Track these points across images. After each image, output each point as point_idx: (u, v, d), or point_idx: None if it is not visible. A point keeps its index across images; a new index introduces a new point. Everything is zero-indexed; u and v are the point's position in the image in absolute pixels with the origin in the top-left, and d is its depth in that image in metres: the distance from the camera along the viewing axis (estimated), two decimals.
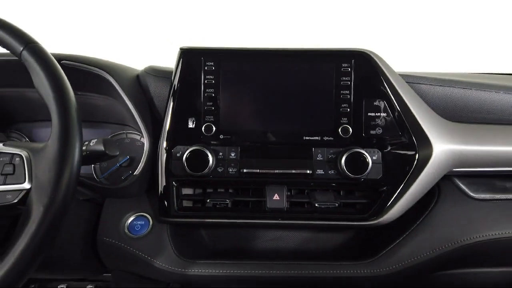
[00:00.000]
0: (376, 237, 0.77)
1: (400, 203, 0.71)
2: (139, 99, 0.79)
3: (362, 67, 0.74)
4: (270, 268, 0.74)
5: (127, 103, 0.76)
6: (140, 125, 0.76)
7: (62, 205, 0.47)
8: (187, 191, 0.76)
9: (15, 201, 0.48)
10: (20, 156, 0.50)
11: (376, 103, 0.74)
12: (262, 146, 0.75)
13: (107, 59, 0.87)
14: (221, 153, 0.75)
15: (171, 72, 0.78)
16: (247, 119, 0.76)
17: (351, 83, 0.74)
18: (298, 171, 0.73)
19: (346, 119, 0.74)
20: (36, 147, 0.51)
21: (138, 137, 0.92)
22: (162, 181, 0.74)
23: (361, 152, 0.71)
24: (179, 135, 0.75)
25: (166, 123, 0.75)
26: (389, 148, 0.73)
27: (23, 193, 0.48)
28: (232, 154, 0.75)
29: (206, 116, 0.75)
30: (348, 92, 0.74)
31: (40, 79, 0.52)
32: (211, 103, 0.75)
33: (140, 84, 0.82)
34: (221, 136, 0.75)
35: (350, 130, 0.73)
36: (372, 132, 0.74)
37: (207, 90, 0.75)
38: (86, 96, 0.85)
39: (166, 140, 0.75)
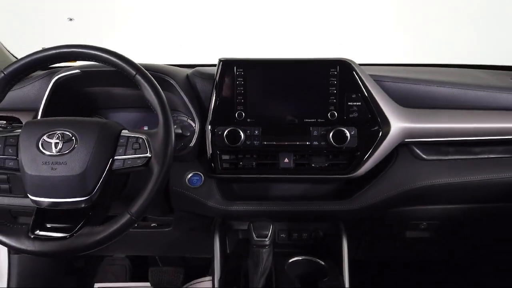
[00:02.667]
0: (351, 186, 1.14)
1: (368, 163, 1.07)
2: (190, 94, 1.14)
3: (344, 71, 1.08)
4: (283, 205, 1.12)
5: (184, 97, 1.11)
6: (192, 113, 1.12)
7: (168, 165, 0.84)
8: (225, 157, 1.13)
9: (143, 163, 0.85)
10: (142, 138, 0.86)
11: (353, 95, 1.09)
12: (276, 126, 1.10)
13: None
14: (248, 131, 1.10)
15: (213, 75, 1.13)
16: (266, 108, 1.10)
17: (337, 82, 1.08)
18: (301, 143, 1.09)
19: (333, 107, 1.09)
20: (150, 133, 0.87)
21: (185, 119, 1.28)
22: (209, 150, 1.10)
23: (343, 129, 1.06)
24: (219, 119, 1.11)
25: (210, 111, 1.11)
26: (362, 126, 1.09)
27: (147, 159, 0.85)
28: (256, 132, 1.11)
29: (238, 106, 1.10)
30: (334, 88, 1.08)
31: (150, 94, 0.87)
32: (241, 97, 1.10)
33: (190, 83, 1.18)
34: (248, 120, 1.10)
35: (336, 114, 1.09)
36: (351, 115, 1.09)
37: (238, 88, 1.10)
38: None
39: (210, 123, 1.11)
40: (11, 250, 1.47)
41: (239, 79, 1.10)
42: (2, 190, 1.18)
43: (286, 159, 1.10)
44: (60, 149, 0.82)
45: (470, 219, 1.22)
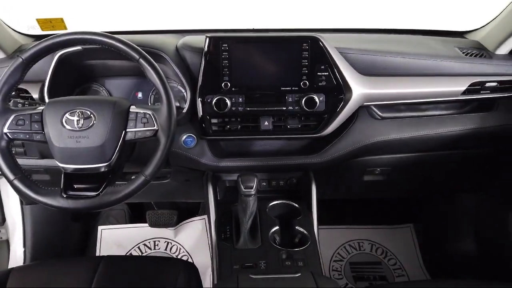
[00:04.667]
0: (319, 142, 1.37)
1: (334, 123, 1.29)
2: (181, 66, 1.29)
3: (314, 46, 1.25)
4: (264, 160, 1.35)
5: (175, 69, 1.27)
6: (184, 83, 1.28)
7: (173, 135, 1.03)
8: (214, 121, 1.32)
9: (152, 135, 1.04)
10: (149, 114, 1.04)
11: (322, 67, 1.27)
12: (257, 94, 1.29)
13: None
14: (233, 99, 1.28)
15: (201, 49, 1.28)
16: (248, 78, 1.28)
17: (308, 55, 1.26)
18: (278, 108, 1.29)
19: (305, 77, 1.28)
20: (155, 108, 1.04)
21: (175, 85, 1.44)
22: (200, 115, 1.29)
23: (313, 96, 1.27)
24: (207, 89, 1.28)
25: (199, 82, 1.28)
26: (329, 93, 1.29)
27: (155, 131, 1.03)
28: (240, 99, 1.29)
29: (223, 77, 1.27)
30: (306, 61, 1.26)
31: (152, 76, 1.03)
32: (226, 70, 1.26)
33: (179, 55, 1.33)
34: (233, 89, 1.28)
35: (307, 83, 1.28)
36: (320, 84, 1.28)
37: (223, 62, 1.26)
38: None
39: (200, 92, 1.28)
40: (24, 201, 1.67)
41: (224, 54, 1.26)
42: (18, 153, 1.35)
43: (266, 122, 1.30)
44: (82, 125, 1.00)
45: (415, 165, 1.49)
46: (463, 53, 1.42)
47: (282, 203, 1.31)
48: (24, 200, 1.64)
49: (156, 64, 1.05)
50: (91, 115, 1.01)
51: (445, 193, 1.83)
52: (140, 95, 1.44)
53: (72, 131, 1.00)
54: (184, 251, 1.95)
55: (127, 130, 1.03)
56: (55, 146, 1.00)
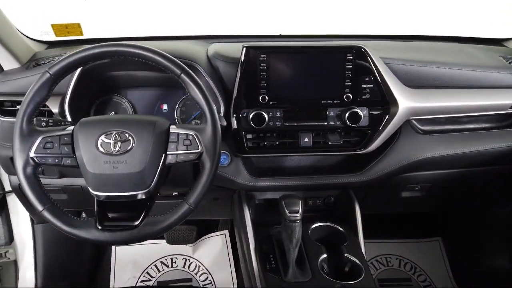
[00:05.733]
0: (360, 159, 1.28)
1: (378, 140, 1.21)
2: (214, 78, 1.20)
3: (358, 56, 1.17)
4: (302, 180, 1.25)
5: (209, 81, 1.17)
6: (217, 95, 1.18)
7: (218, 158, 0.93)
8: (249, 136, 1.22)
9: (195, 158, 0.93)
10: (192, 135, 0.93)
11: (366, 78, 1.19)
12: (296, 107, 1.20)
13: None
14: (271, 113, 1.19)
15: (236, 59, 1.18)
16: (286, 91, 1.19)
17: (352, 66, 1.17)
18: (319, 123, 1.20)
19: (348, 89, 1.19)
20: (198, 129, 0.94)
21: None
22: (235, 132, 1.19)
23: (357, 110, 1.18)
24: (243, 102, 1.18)
25: (234, 95, 1.18)
26: (373, 107, 1.21)
27: (199, 154, 0.93)
28: (278, 113, 1.20)
29: (261, 90, 1.18)
30: (350, 72, 1.18)
31: (195, 93, 0.93)
32: (264, 82, 1.17)
33: (212, 66, 1.23)
34: (271, 102, 1.19)
35: (351, 96, 1.19)
36: (363, 97, 1.20)
37: (261, 73, 1.17)
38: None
39: (236, 106, 1.18)
40: (35, 220, 1.55)
41: (262, 65, 1.16)
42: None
43: (306, 138, 1.21)
44: (119, 148, 0.89)
45: (456, 181, 1.42)
46: (509, 63, 1.34)
47: (324, 226, 1.22)
48: (36, 219, 1.52)
49: (198, 80, 0.95)
50: (130, 138, 0.90)
51: (477, 207, 1.76)
52: (165, 107, 1.34)
53: (109, 155, 0.89)
54: (204, 268, 1.85)
55: (168, 153, 0.93)
56: (89, 172, 0.89)
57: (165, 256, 1.88)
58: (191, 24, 1.65)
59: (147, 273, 1.82)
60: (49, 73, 0.91)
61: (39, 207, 0.90)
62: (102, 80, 1.26)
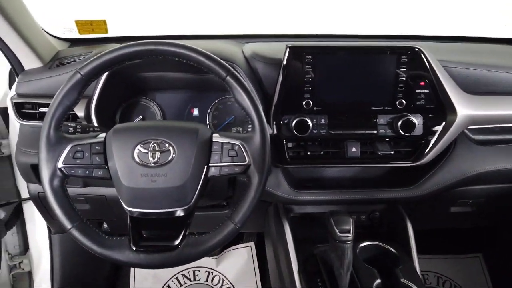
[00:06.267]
0: (410, 172, 1.16)
1: (434, 151, 1.09)
2: (253, 80, 1.09)
3: (414, 58, 1.05)
4: (344, 194, 1.14)
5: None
6: None
7: (267, 172, 0.82)
8: (290, 145, 1.11)
9: (241, 171, 0.83)
10: (238, 145, 0.82)
11: (422, 83, 1.08)
12: (342, 114, 1.09)
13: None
14: (315, 120, 1.08)
15: (278, 60, 1.07)
16: (333, 96, 1.08)
17: (407, 69, 1.06)
18: (368, 131, 1.09)
19: (401, 94, 1.08)
20: (244, 138, 0.83)
21: None
22: (275, 139, 1.08)
23: (410, 118, 1.06)
24: (285, 108, 1.07)
25: (275, 99, 1.07)
26: (428, 114, 1.09)
27: (245, 167, 0.82)
28: (323, 120, 1.09)
29: (305, 95, 1.07)
30: (404, 75, 1.06)
31: (242, 97, 0.82)
32: (308, 85, 1.06)
33: (250, 67, 1.12)
34: (315, 108, 1.08)
35: (404, 102, 1.08)
36: (418, 103, 1.08)
37: (306, 76, 1.06)
38: (206, 76, 1.15)
39: (276, 112, 1.07)
40: (53, 230, 1.45)
41: (307, 67, 1.05)
42: None
43: (354, 148, 1.10)
44: (158, 159, 0.79)
45: (510, 195, 1.29)
46: None
47: (373, 245, 1.10)
48: (54, 228, 1.42)
49: (245, 83, 0.84)
50: (170, 148, 0.80)
51: None
52: (196, 111, 1.24)
53: (146, 167, 0.79)
54: (228, 282, 1.73)
55: (210, 164, 0.82)
56: (124, 186, 0.79)
57: (187, 269, 1.76)
58: (218, 22, 1.54)
59: (168, 286, 1.71)
60: (80, 74, 0.81)
61: (68, 225, 0.80)
62: (130, 82, 1.16)
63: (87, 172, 0.81)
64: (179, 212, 0.82)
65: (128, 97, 1.20)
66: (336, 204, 1.17)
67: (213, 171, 0.83)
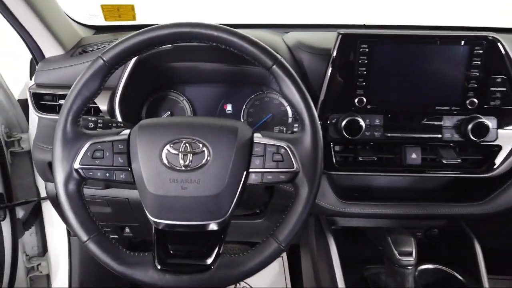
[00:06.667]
0: (481, 185, 0.99)
1: (509, 161, 0.92)
2: (296, 71, 0.94)
3: (491, 50, 0.89)
4: (398, 207, 0.98)
5: None
6: None
7: (319, 182, 0.68)
8: (337, 148, 0.97)
9: (287, 179, 0.69)
10: (284, 147, 0.68)
11: (498, 79, 0.91)
12: (401, 114, 0.94)
13: None
14: (368, 120, 0.94)
15: (326, 50, 0.93)
16: (390, 92, 0.93)
17: (481, 63, 0.90)
18: (431, 135, 0.93)
19: (473, 93, 0.91)
20: (291, 139, 0.69)
21: (276, 97, 1.10)
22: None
23: (484, 121, 0.90)
24: (333, 105, 0.93)
25: (322, 96, 0.93)
26: (504, 116, 0.92)
27: (293, 174, 0.68)
28: (377, 121, 0.94)
29: (358, 90, 0.92)
30: (477, 70, 0.90)
31: (290, 89, 0.68)
32: (362, 79, 0.92)
33: (294, 57, 0.98)
34: (369, 106, 0.93)
35: (476, 102, 0.91)
36: (492, 103, 0.92)
37: (359, 69, 0.91)
38: (244, 67, 1.02)
39: (321, 109, 0.93)
40: (72, 232, 1.35)
41: (362, 58, 0.91)
42: None
43: (414, 154, 0.94)
44: (190, 162, 0.66)
45: None
46: None
47: (435, 269, 0.94)
48: (73, 231, 1.32)
49: (295, 74, 0.70)
50: (204, 149, 0.67)
51: None
52: (229, 108, 1.11)
53: (176, 171, 0.66)
54: None
55: (251, 170, 0.69)
56: (149, 193, 0.66)
57: None
58: (254, 10, 1.40)
59: None
60: (103, 60, 0.69)
61: (83, 236, 0.68)
62: (158, 73, 1.04)
63: (107, 174, 0.69)
64: (213, 226, 0.69)
65: (156, 90, 1.09)
66: (388, 219, 1.02)
67: (253, 178, 0.69)
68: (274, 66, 0.69)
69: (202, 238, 0.71)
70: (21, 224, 1.34)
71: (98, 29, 1.22)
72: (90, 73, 0.69)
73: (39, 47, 1.02)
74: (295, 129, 0.79)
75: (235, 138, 0.67)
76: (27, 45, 1.03)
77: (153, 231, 0.72)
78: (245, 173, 0.68)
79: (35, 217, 1.37)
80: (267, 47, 0.69)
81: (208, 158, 0.66)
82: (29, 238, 1.41)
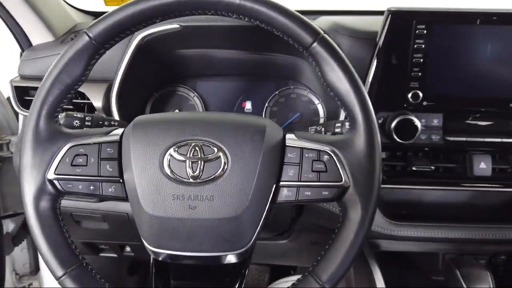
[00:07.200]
0: None
1: None
2: None
3: None
4: (462, 230, 0.78)
5: None
6: None
7: (376, 201, 0.50)
8: (383, 155, 0.78)
9: (333, 196, 0.50)
10: (328, 153, 0.50)
11: None
12: (466, 114, 0.75)
13: None
14: (424, 120, 0.75)
15: (371, 33, 0.75)
16: (452, 85, 0.74)
17: None
18: (503, 140, 0.74)
19: None
20: (337, 142, 0.51)
21: (304, 93, 0.92)
22: None
23: None
24: (380, 101, 0.75)
25: (366, 88, 0.75)
26: None
27: (340, 189, 0.50)
28: (435, 121, 0.76)
29: (412, 83, 0.74)
30: None
31: (337, 73, 0.50)
32: (417, 69, 0.73)
33: None
34: (425, 103, 0.75)
35: None
36: None
37: (415, 55, 0.73)
38: (268, 55, 0.85)
39: None
40: None
41: (418, 42, 0.72)
42: None
43: (483, 163, 0.75)
44: (200, 173, 0.48)
45: None
46: None
47: None
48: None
49: (342, 54, 0.52)
50: (220, 154, 0.49)
51: None
52: (248, 105, 0.94)
53: (183, 184, 0.48)
54: None
55: (283, 183, 0.51)
56: (145, 213, 0.49)
57: None
58: None
59: None
60: (88, 36, 0.52)
61: (58, 271, 0.51)
62: (164, 62, 0.87)
63: (91, 187, 0.51)
64: (230, 258, 0.51)
65: (162, 84, 0.92)
66: (445, 242, 0.82)
67: (286, 195, 0.51)
68: (315, 44, 0.50)
69: (217, 273, 0.53)
70: (11, 239, 1.18)
71: (98, 16, 1.06)
72: (72, 53, 0.52)
73: (25, 33, 0.87)
74: (337, 130, 0.60)
75: (262, 139, 0.49)
76: (11, 31, 0.87)
77: (151, 261, 0.55)
78: (274, 187, 0.50)
79: (26, 230, 1.21)
80: (305, 18, 0.51)
81: (226, 166, 0.48)
82: (19, 254, 1.25)
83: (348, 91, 0.51)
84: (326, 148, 0.51)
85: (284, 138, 0.52)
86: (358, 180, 0.49)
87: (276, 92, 0.92)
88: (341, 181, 0.50)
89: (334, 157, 0.50)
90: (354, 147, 0.50)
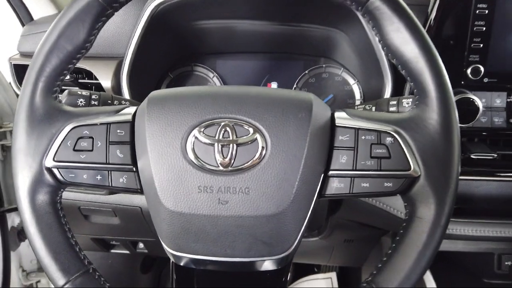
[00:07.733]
0: None
1: None
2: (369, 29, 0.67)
3: None
4: None
5: (371, 37, 0.64)
6: (381, 64, 0.65)
7: (454, 195, 0.40)
8: None
9: (397, 189, 0.40)
10: (391, 134, 0.40)
11: None
12: None
13: None
14: (484, 100, 0.65)
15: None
16: None
17: None
18: None
19: None
20: (405, 120, 0.41)
21: (338, 72, 0.82)
22: None
23: None
24: None
25: None
26: None
27: (409, 181, 0.40)
28: (498, 101, 0.65)
29: (472, 56, 0.63)
30: None
31: (400, 33, 0.40)
32: (479, 39, 0.62)
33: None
34: (486, 80, 0.64)
35: None
36: None
37: (475, 23, 0.62)
38: (298, 27, 0.74)
39: None
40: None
41: (481, 6, 0.61)
42: None
43: None
44: (232, 159, 0.38)
45: None
46: None
47: None
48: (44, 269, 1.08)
49: (408, 9, 0.41)
50: (257, 135, 0.39)
51: None
52: (274, 87, 0.83)
53: (210, 173, 0.38)
54: None
55: (332, 173, 0.41)
56: (165, 209, 0.39)
57: None
58: None
59: None
60: None
61: (59, 279, 0.41)
62: (180, 36, 0.77)
63: (98, 177, 0.42)
64: (268, 265, 0.41)
65: (178, 63, 0.82)
66: (502, 241, 0.72)
67: (336, 187, 0.41)
68: (378, 1, 0.40)
69: (251, 281, 0.44)
70: (16, 234, 1.11)
71: None
72: (73, 13, 0.43)
73: (25, 6, 0.77)
74: (392, 109, 0.50)
75: (309, 118, 0.39)
76: (10, 4, 0.78)
77: (171, 267, 0.45)
78: (322, 176, 0.40)
79: None
80: None
81: (264, 151, 0.38)
82: (26, 250, 1.17)
83: (417, 57, 0.40)
84: (389, 129, 0.40)
85: (333, 117, 0.42)
86: (431, 169, 0.39)
87: (306, 72, 0.82)
88: (409, 169, 0.39)
89: (400, 140, 0.40)
90: (425, 126, 0.40)
